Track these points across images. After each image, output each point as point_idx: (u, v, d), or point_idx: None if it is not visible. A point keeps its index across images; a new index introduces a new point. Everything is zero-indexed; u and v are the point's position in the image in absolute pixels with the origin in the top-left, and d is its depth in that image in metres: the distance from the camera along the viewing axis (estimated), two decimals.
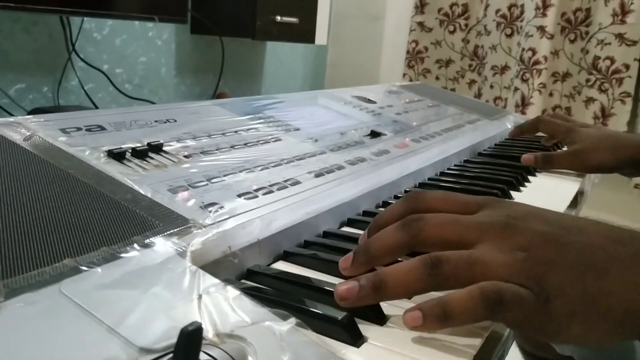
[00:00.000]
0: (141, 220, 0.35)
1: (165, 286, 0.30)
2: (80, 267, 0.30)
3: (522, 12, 1.88)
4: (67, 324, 0.26)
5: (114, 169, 0.42)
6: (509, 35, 1.93)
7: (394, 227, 0.35)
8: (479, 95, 2.05)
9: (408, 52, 2.18)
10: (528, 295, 0.30)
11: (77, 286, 0.28)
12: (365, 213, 0.53)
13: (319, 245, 0.44)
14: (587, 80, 1.75)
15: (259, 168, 0.50)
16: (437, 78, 2.16)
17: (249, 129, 0.60)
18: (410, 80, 2.16)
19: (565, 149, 0.85)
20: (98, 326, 0.26)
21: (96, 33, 1.55)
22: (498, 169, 0.73)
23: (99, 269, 0.30)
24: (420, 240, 0.34)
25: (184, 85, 1.85)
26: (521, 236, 0.33)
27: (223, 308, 0.29)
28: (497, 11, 1.93)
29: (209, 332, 0.27)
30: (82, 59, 1.50)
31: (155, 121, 0.54)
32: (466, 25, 2.07)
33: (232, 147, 0.53)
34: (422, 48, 2.16)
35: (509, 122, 1.06)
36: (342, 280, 0.38)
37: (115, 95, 1.61)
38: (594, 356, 0.72)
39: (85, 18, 1.48)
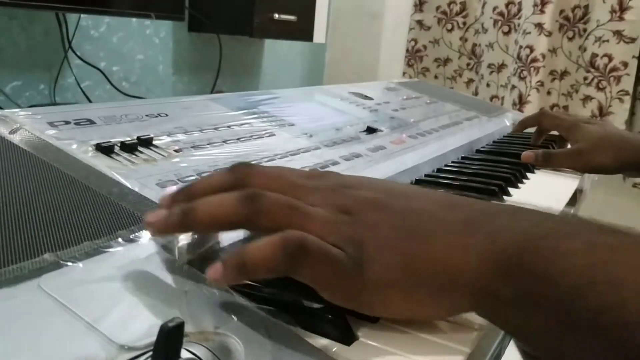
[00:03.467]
0: (127, 214, 0.35)
1: (149, 282, 0.29)
2: (61, 261, 0.29)
3: (519, 10, 1.87)
4: (44, 321, 0.25)
5: (101, 163, 0.41)
6: (506, 33, 1.92)
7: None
8: (476, 94, 2.04)
9: (407, 50, 2.17)
10: (339, 256, 0.28)
11: (57, 281, 0.27)
12: None
13: None
14: (585, 78, 1.74)
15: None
16: (435, 77, 2.15)
17: (242, 124, 0.59)
18: (410, 78, 2.16)
19: (568, 146, 0.84)
20: (77, 323, 0.25)
21: (93, 30, 1.54)
22: (496, 166, 0.72)
23: (80, 264, 0.29)
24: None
25: (181, 83, 1.84)
26: (347, 200, 0.31)
27: (209, 304, 0.28)
28: (495, 8, 1.92)
29: (193, 329, 0.26)
30: (78, 57, 1.49)
31: (146, 115, 0.53)
32: (464, 23, 2.06)
33: (224, 141, 0.52)
34: (421, 47, 2.15)
35: (507, 120, 1.05)
36: None
37: (113, 93, 1.60)
38: None
39: (82, 15, 1.47)
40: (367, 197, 0.31)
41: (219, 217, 0.30)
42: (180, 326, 0.22)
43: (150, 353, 0.23)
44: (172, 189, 0.36)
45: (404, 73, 2.20)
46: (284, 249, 0.28)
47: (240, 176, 0.33)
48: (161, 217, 0.30)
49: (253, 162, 0.37)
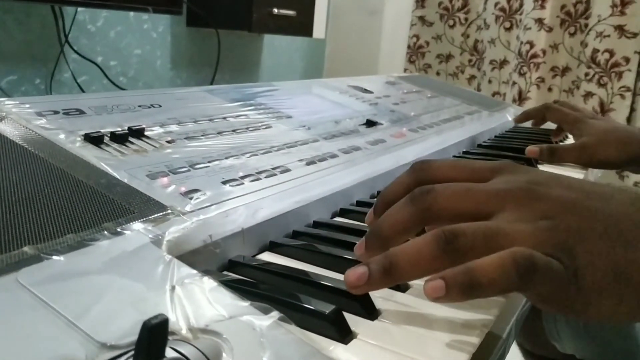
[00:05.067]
0: (114, 206, 0.33)
1: (135, 276, 0.27)
2: (42, 255, 0.27)
3: (521, 5, 1.85)
4: (22, 317, 0.23)
5: (89, 154, 0.39)
6: (508, 29, 1.90)
7: (403, 202, 0.32)
8: (478, 90, 2.02)
9: (409, 46, 2.15)
10: (558, 267, 0.28)
11: (36, 276, 0.26)
12: (359, 203, 0.50)
13: (309, 235, 0.41)
14: (586, 74, 1.72)
15: (247, 155, 0.47)
16: (437, 73, 2.13)
17: (238, 116, 0.57)
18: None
19: (570, 141, 0.83)
20: (56, 319, 0.23)
21: (90, 24, 1.52)
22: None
23: (61, 258, 0.27)
24: (433, 214, 0.32)
25: (179, 79, 1.82)
26: (544, 203, 0.30)
27: (198, 301, 0.27)
28: (496, 4, 1.90)
29: (181, 327, 0.25)
30: (75, 51, 1.47)
31: (139, 106, 0.52)
32: (466, 19, 2.04)
33: (219, 133, 0.51)
34: (423, 43, 2.13)
35: (509, 115, 1.04)
36: (334, 273, 0.35)
37: (110, 88, 1.58)
38: (597, 354, 0.69)
39: (78, 9, 1.45)
40: (563, 197, 0.31)
41: (421, 267, 0.30)
42: (164, 323, 0.21)
43: (132, 352, 0.22)
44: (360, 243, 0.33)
45: (405, 70, 2.17)
46: (516, 268, 0.27)
47: (424, 205, 0.32)
48: (363, 277, 0.29)
49: (429, 162, 0.36)
